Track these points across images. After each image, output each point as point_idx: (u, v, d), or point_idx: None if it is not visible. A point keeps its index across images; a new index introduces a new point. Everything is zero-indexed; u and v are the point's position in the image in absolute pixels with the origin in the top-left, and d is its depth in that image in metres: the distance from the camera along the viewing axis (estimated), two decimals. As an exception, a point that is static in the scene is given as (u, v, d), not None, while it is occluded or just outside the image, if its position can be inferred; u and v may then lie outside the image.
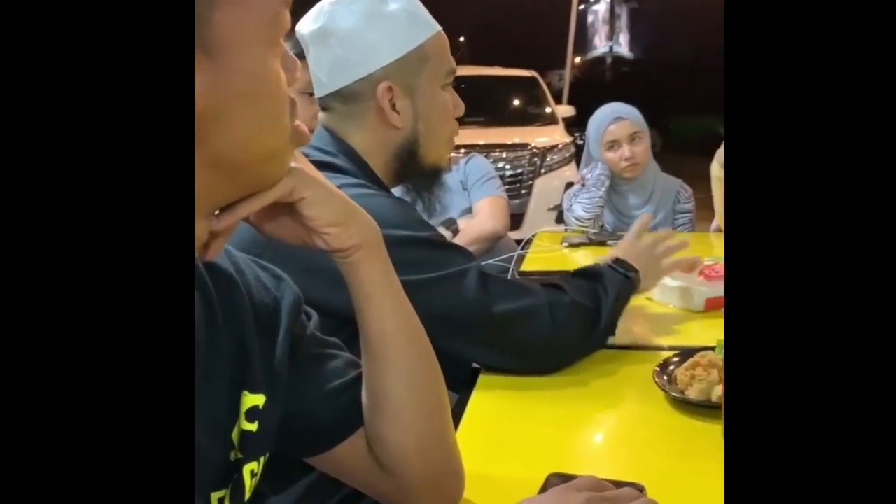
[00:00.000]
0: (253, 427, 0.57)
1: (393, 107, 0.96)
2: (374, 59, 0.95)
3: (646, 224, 1.22)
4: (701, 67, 14.43)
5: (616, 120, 2.32)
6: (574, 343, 1.02)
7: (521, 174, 5.08)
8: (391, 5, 0.96)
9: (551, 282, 1.03)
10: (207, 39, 0.45)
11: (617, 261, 1.11)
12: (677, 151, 6.07)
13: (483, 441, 0.83)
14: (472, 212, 2.29)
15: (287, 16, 0.51)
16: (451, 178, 2.21)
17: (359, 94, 0.96)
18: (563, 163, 5.14)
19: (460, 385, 0.98)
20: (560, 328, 0.97)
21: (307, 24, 0.98)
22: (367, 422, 0.64)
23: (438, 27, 1.01)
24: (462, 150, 2.60)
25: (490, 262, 1.88)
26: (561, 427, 0.86)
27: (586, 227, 2.30)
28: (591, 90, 10.26)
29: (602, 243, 1.97)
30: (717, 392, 0.83)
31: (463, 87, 1.09)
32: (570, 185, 2.57)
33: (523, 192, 5.06)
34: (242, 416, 0.57)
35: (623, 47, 20.04)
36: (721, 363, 0.88)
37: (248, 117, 0.48)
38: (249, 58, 0.48)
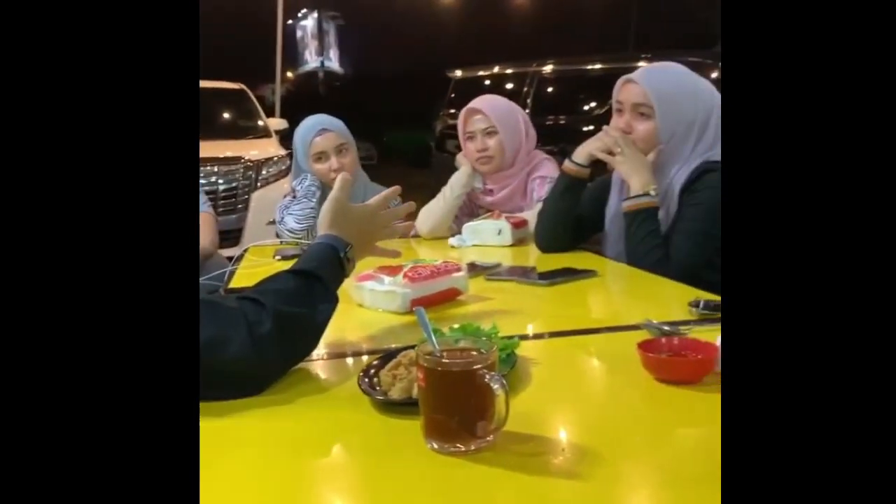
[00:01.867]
0: None
1: None
2: None
3: (391, 196, 1.25)
4: (410, 83, 15.23)
5: (321, 132, 2.34)
6: (282, 358, 0.98)
7: (235, 188, 4.92)
8: None
9: (249, 295, 0.98)
10: None
11: (332, 247, 1.10)
12: (392, 163, 6.33)
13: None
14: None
15: None
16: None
17: None
18: (280, 176, 5.08)
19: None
20: (262, 348, 0.93)
21: None
22: None
23: None
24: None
25: (200, 281, 1.77)
26: (276, 447, 0.83)
27: (300, 238, 2.28)
28: (305, 104, 10.29)
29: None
30: (415, 389, 0.85)
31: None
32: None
33: (240, 206, 4.91)
34: None
35: (334, 62, 20.44)
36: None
37: None
38: None
